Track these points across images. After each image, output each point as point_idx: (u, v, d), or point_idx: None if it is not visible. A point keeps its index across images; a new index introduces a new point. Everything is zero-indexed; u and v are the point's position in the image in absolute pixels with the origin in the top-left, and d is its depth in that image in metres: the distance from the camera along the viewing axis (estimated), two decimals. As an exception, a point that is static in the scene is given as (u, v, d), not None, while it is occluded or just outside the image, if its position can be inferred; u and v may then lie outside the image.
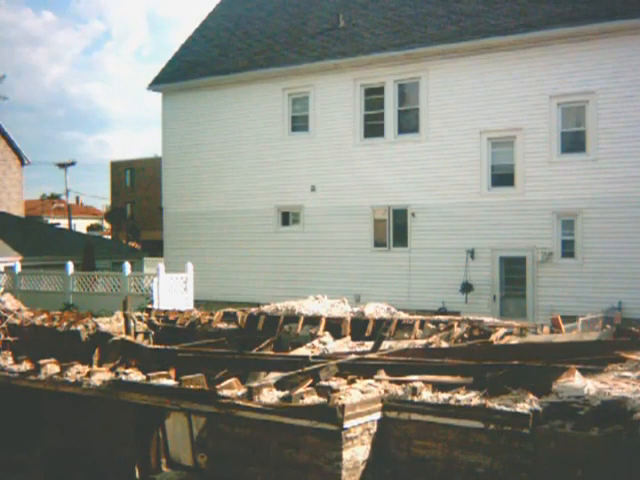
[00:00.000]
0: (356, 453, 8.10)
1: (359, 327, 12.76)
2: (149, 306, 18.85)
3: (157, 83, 31.43)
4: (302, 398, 8.63)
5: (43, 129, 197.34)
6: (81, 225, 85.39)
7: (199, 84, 30.14)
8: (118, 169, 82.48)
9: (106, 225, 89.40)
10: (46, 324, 14.42)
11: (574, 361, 8.89)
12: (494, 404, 7.89)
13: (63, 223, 70.53)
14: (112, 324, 13.73)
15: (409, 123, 25.94)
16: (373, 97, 26.57)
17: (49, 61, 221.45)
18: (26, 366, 11.60)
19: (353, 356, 10.28)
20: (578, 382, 8.31)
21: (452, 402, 8.12)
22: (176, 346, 12.14)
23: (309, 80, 27.60)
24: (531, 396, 8.03)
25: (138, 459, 9.67)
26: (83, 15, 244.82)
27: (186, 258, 27.15)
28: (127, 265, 26.18)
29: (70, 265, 27.34)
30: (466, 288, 23.94)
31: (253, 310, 14.31)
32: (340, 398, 8.20)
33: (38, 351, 12.32)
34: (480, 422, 7.75)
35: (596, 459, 7.05)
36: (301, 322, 13.17)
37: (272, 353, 11.96)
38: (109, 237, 74.50)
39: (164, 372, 10.44)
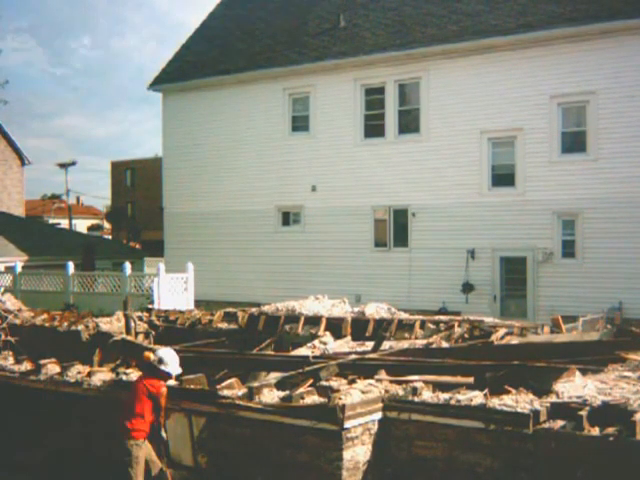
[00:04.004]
0: (357, 453, 8.10)
1: (360, 327, 12.77)
2: (149, 306, 18.86)
3: (157, 83, 31.42)
4: (302, 398, 8.63)
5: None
6: (81, 225, 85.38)
7: (199, 84, 30.13)
8: (118, 169, 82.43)
9: (106, 225, 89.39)
10: (47, 324, 14.43)
11: (574, 361, 8.89)
12: (494, 404, 7.89)
13: (63, 223, 70.55)
14: (112, 324, 13.75)
15: (409, 123, 25.93)
16: (373, 97, 26.55)
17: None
18: (27, 366, 11.61)
19: (353, 356, 10.28)
20: (578, 382, 8.32)
21: (452, 402, 8.12)
22: (177, 346, 12.14)
23: (310, 80, 27.60)
24: (531, 396, 8.03)
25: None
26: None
27: (186, 258, 27.13)
28: (127, 265, 26.16)
29: (70, 265, 27.33)
30: (467, 288, 23.92)
31: (253, 310, 14.32)
32: (340, 398, 8.21)
33: (39, 351, 12.32)
34: (480, 422, 7.75)
35: (596, 459, 7.05)
36: (302, 322, 13.18)
37: (272, 353, 11.97)
38: (109, 237, 74.48)
39: (165, 372, 10.43)
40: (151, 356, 9.04)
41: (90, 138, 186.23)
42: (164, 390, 8.83)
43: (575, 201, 22.74)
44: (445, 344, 11.09)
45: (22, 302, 17.63)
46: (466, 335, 11.66)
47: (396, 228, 25.85)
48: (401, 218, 25.70)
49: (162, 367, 8.87)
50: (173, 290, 25.52)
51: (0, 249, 32.19)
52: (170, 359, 8.99)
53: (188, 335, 13.69)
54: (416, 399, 8.40)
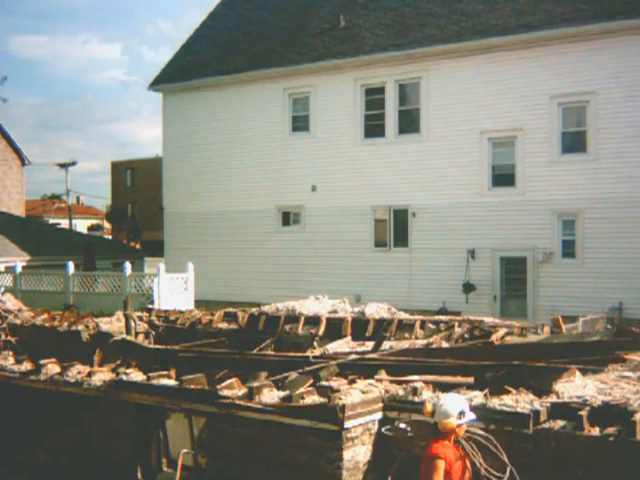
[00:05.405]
0: (357, 453, 8.10)
1: (360, 327, 12.75)
2: (150, 306, 18.85)
3: (157, 83, 31.42)
4: (302, 398, 8.62)
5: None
6: (82, 225, 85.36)
7: (199, 84, 30.13)
8: (119, 169, 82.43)
9: (107, 225, 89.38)
10: (47, 324, 14.42)
11: (574, 361, 8.89)
12: (494, 404, 7.89)
13: (64, 223, 70.51)
14: (113, 324, 13.74)
15: (410, 123, 25.93)
16: (374, 97, 26.55)
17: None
18: (27, 366, 11.59)
19: (354, 356, 10.27)
20: (578, 382, 8.31)
21: (452, 402, 8.10)
22: (177, 346, 12.14)
23: (310, 80, 27.60)
24: (531, 396, 8.03)
25: (139, 459, 9.68)
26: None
27: (187, 258, 27.15)
28: (128, 265, 26.18)
29: (71, 265, 27.34)
30: (468, 288, 23.90)
31: (254, 310, 14.30)
32: (341, 398, 8.20)
33: (39, 351, 12.31)
34: (480, 422, 7.75)
35: (596, 459, 7.05)
36: (302, 322, 13.17)
37: (272, 353, 11.96)
38: (109, 237, 74.45)
39: (165, 372, 10.44)
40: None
41: (135, 142, 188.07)
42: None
43: (575, 201, 22.74)
44: (445, 344, 11.08)
45: (22, 302, 17.61)
46: (466, 335, 11.64)
47: (396, 228, 25.85)
48: (401, 218, 25.70)
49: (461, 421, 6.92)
50: (173, 290, 25.53)
51: (0, 249, 32.20)
52: (462, 405, 6.99)
53: (188, 335, 13.68)
54: (416, 399, 8.39)
